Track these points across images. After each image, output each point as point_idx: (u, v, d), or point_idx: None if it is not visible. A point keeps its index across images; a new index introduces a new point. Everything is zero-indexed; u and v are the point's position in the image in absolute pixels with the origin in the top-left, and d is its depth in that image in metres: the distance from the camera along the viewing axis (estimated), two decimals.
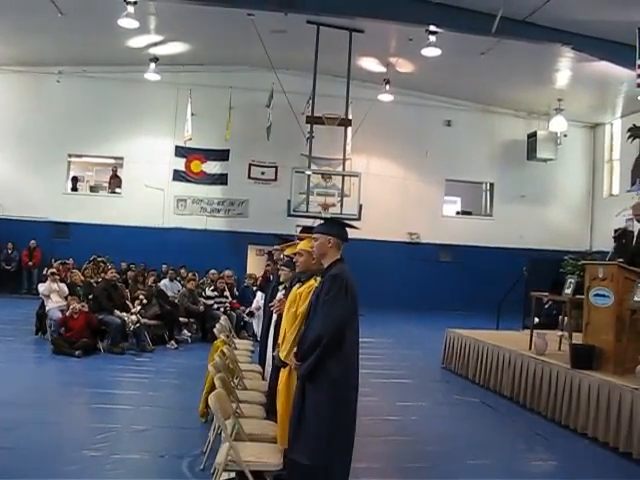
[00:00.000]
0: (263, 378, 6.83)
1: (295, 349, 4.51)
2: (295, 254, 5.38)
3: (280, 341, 5.02)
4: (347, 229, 4.68)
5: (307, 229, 5.38)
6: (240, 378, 6.55)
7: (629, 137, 20.91)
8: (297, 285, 5.12)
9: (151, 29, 16.79)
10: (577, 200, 22.66)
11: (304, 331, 4.48)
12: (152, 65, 18.81)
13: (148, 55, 18.58)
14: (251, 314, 12.04)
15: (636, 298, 6.96)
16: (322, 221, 4.82)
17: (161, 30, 17.08)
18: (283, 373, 4.83)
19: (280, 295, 6.17)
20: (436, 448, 6.59)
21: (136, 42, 17.52)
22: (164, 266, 16.54)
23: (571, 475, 6.09)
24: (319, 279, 4.60)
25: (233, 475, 5.27)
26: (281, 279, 6.54)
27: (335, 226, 4.66)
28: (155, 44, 18.02)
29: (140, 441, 6.36)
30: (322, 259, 4.55)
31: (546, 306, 12.62)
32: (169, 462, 5.73)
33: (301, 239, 5.49)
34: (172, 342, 11.92)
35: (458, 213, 22.93)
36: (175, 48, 18.45)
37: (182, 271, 15.71)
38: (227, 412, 4.72)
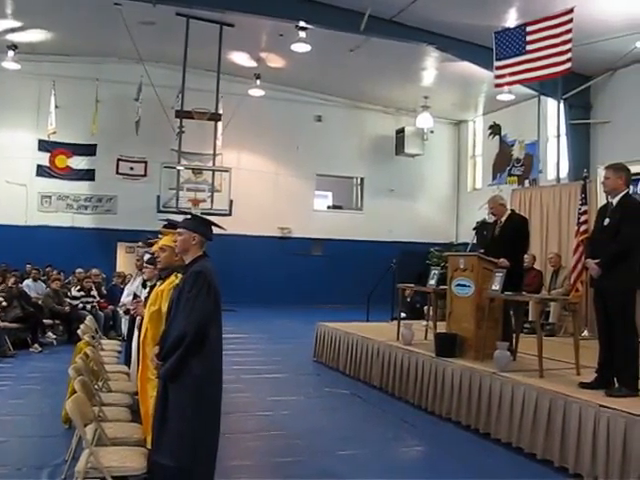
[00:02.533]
0: (129, 379, 6.65)
1: (157, 349, 4.40)
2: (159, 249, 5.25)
3: (142, 339, 4.88)
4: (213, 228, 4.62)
5: (171, 225, 5.25)
6: (105, 380, 6.32)
7: (490, 134, 22.07)
8: (159, 282, 4.99)
9: (8, 14, 15.83)
10: (443, 194, 23.57)
11: (165, 329, 4.37)
12: (10, 53, 17.74)
13: (5, 42, 17.48)
14: (127, 312, 11.65)
15: (494, 287, 7.29)
16: (188, 216, 4.72)
17: (19, 16, 16.11)
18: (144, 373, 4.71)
19: (144, 293, 6.01)
20: (307, 441, 6.62)
21: None
22: (28, 266, 15.74)
23: (436, 459, 6.30)
24: (180, 276, 4.51)
25: None
26: (145, 277, 6.38)
27: (201, 224, 4.58)
28: (13, 30, 16.97)
29: None
30: (184, 255, 4.45)
31: (408, 299, 13.03)
32: (27, 475, 5.40)
33: (164, 234, 5.36)
34: (36, 345, 11.36)
35: (329, 207, 23.25)
36: (36, 36, 17.45)
37: (48, 270, 15.02)
38: (87, 417, 4.53)
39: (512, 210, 8.56)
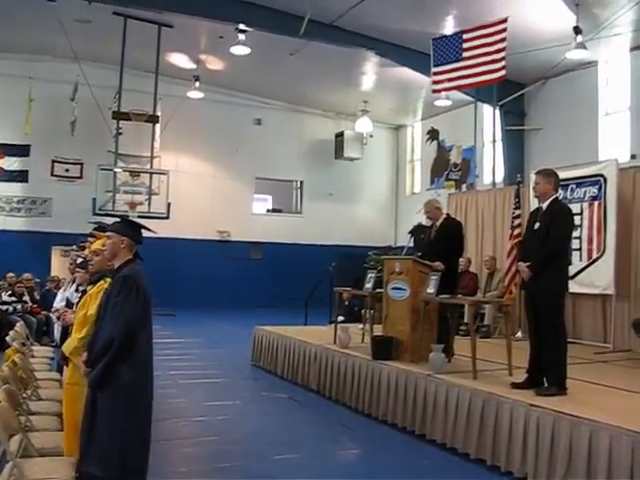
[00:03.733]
0: (61, 387, 6.48)
1: (85, 355, 4.30)
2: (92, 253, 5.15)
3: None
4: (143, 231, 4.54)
5: (102, 228, 5.15)
6: (34, 388, 6.14)
7: (428, 139, 22.39)
8: (89, 287, 4.89)
9: None
10: (382, 198, 23.78)
11: (93, 334, 4.28)
12: None
13: None
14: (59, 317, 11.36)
15: (429, 290, 7.38)
16: (117, 220, 4.64)
17: None
18: (66, 373, 4.58)
19: (76, 298, 5.88)
20: (243, 446, 6.57)
21: None
22: None
23: (372, 460, 6.36)
24: (109, 280, 4.42)
25: None
26: (77, 282, 6.25)
27: (130, 227, 4.50)
28: None
29: None
30: (113, 259, 4.37)
31: (346, 303, 13.08)
32: None
33: (96, 237, 5.26)
34: None
35: (269, 211, 23.20)
36: None
37: None
38: (12, 427, 4.39)
39: (447, 214, 8.68)
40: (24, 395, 5.60)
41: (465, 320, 10.18)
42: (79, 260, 6.44)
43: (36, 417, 5.28)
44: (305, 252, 20.82)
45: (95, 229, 5.38)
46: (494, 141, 18.14)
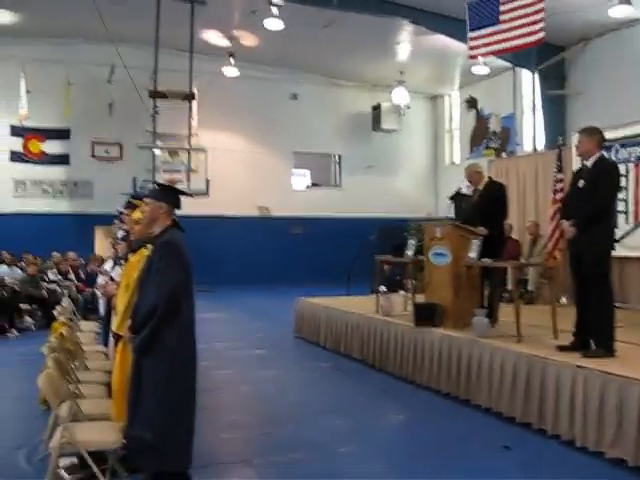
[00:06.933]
0: (108, 358, 6.58)
1: (129, 322, 4.34)
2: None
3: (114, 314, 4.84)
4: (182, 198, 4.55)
5: (137, 197, 5.18)
6: (81, 359, 6.26)
7: (466, 107, 22.05)
8: (130, 256, 4.93)
9: None
10: (421, 169, 23.55)
11: (137, 302, 4.31)
12: None
13: None
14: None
15: (471, 254, 7.29)
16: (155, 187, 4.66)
17: None
18: (118, 347, 4.65)
19: (117, 271, 5.94)
20: (289, 414, 6.63)
21: None
22: (4, 252, 15.49)
23: (417, 426, 6.33)
24: (150, 247, 4.44)
25: (75, 461, 5.04)
26: (119, 255, 6.32)
27: (168, 193, 4.51)
28: None
29: None
30: (152, 226, 4.38)
31: (387, 273, 12.97)
32: (5, 455, 5.36)
33: (133, 208, 5.30)
34: (13, 330, 11.27)
35: (308, 186, 23.17)
36: (1, 18, 17.13)
37: (25, 256, 14.79)
38: (60, 393, 4.49)
39: (489, 177, 8.56)
40: (72, 366, 5.70)
41: (508, 287, 10.07)
42: (120, 233, 6.49)
43: (84, 386, 5.39)
44: (345, 225, 20.76)
45: (131, 198, 5.42)
46: (534, 107, 17.74)
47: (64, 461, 4.96)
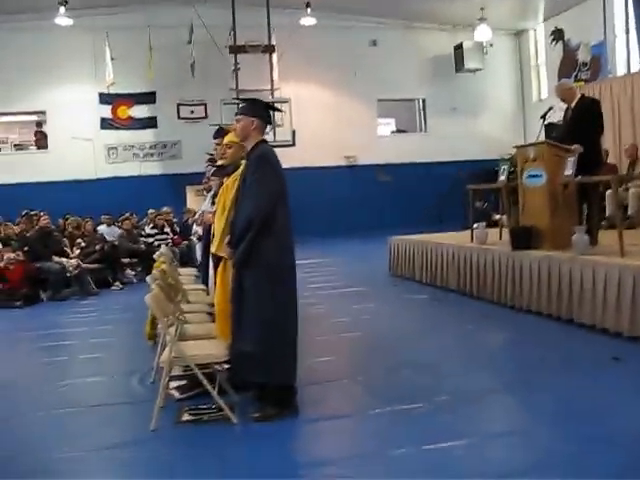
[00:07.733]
0: (208, 294, 6.73)
1: (228, 238, 4.41)
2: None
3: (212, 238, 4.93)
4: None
5: (222, 130, 5.25)
6: (184, 293, 6.42)
7: (552, 40, 21.14)
8: (225, 179, 5.00)
9: None
10: (508, 107, 22.81)
11: (234, 217, 4.37)
12: (62, 9, 17.83)
13: None
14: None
15: (566, 172, 7.04)
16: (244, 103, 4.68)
17: None
18: (218, 270, 4.74)
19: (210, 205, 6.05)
20: (388, 337, 6.68)
21: None
22: (103, 216, 16.06)
23: (522, 345, 6.25)
24: (244, 162, 4.49)
25: (184, 382, 5.24)
26: (213, 191, 6.40)
27: (259, 107, 4.53)
28: None
29: (90, 367, 6.26)
30: (245, 141, 4.43)
31: (479, 208, 12.65)
32: (120, 380, 5.68)
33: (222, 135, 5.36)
34: (117, 283, 11.74)
35: (393, 131, 22.87)
36: None
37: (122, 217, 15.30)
38: (166, 312, 4.64)
39: (582, 94, 8.20)
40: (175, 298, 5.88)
41: (607, 213, 9.72)
42: (211, 170, 6.58)
43: (188, 315, 5.56)
44: (433, 170, 20.42)
45: (217, 131, 5.49)
46: (627, 31, 16.81)
47: (173, 384, 5.18)
